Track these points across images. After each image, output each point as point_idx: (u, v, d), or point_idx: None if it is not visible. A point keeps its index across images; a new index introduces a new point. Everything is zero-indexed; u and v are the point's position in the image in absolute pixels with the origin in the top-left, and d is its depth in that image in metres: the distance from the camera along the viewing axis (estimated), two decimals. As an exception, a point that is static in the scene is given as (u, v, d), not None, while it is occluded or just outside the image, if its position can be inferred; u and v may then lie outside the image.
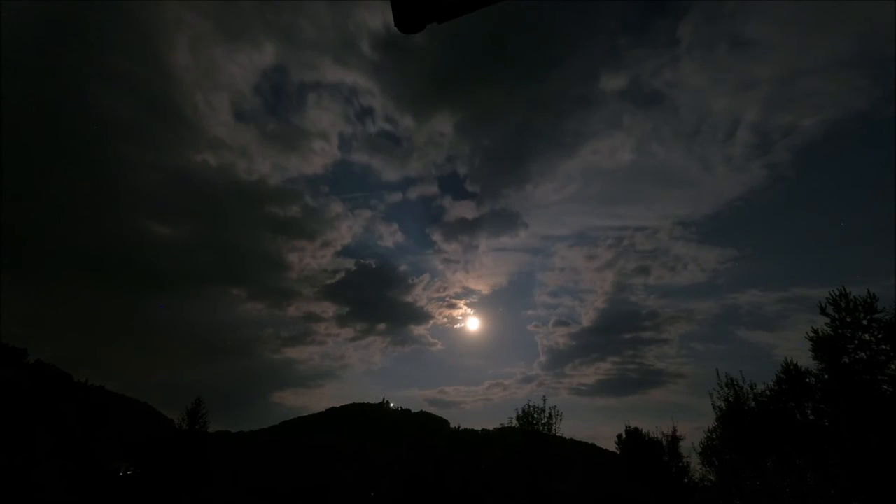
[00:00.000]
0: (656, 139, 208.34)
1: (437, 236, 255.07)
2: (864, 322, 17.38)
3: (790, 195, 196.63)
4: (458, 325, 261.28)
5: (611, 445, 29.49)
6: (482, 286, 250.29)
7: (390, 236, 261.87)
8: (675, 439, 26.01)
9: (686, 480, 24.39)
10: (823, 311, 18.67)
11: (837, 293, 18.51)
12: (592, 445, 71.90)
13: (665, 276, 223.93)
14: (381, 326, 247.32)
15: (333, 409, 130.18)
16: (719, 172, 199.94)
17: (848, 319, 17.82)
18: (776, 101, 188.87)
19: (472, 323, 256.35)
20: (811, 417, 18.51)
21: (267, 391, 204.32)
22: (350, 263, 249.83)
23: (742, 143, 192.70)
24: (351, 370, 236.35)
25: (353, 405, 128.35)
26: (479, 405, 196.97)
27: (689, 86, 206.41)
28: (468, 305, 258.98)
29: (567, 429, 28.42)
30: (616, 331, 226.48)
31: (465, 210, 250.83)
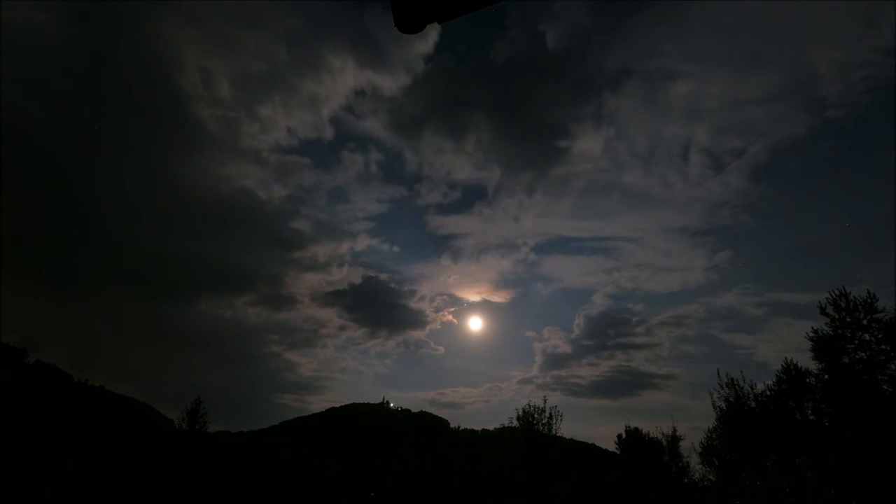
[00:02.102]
0: (616, 160, 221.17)
1: (437, 244, 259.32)
2: (864, 322, 17.40)
3: (752, 210, 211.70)
4: (457, 329, 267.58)
5: (607, 445, 29.53)
6: (477, 293, 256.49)
7: (390, 243, 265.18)
8: (675, 439, 26.03)
9: (686, 480, 24.40)
10: (823, 312, 18.66)
11: (837, 293, 18.51)
12: (592, 445, 71.88)
13: (651, 282, 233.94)
14: (382, 330, 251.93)
15: (333, 409, 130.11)
16: (678, 190, 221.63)
17: (848, 319, 17.83)
18: (723, 127, 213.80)
19: (470, 327, 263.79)
20: (811, 417, 18.53)
21: (272, 393, 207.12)
22: (357, 274, 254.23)
23: (696, 164, 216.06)
24: (351, 372, 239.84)
25: (353, 405, 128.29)
26: (478, 406, 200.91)
27: (637, 114, 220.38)
28: (467, 310, 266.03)
29: (564, 429, 28.45)
30: (608, 335, 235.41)
31: (458, 221, 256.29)
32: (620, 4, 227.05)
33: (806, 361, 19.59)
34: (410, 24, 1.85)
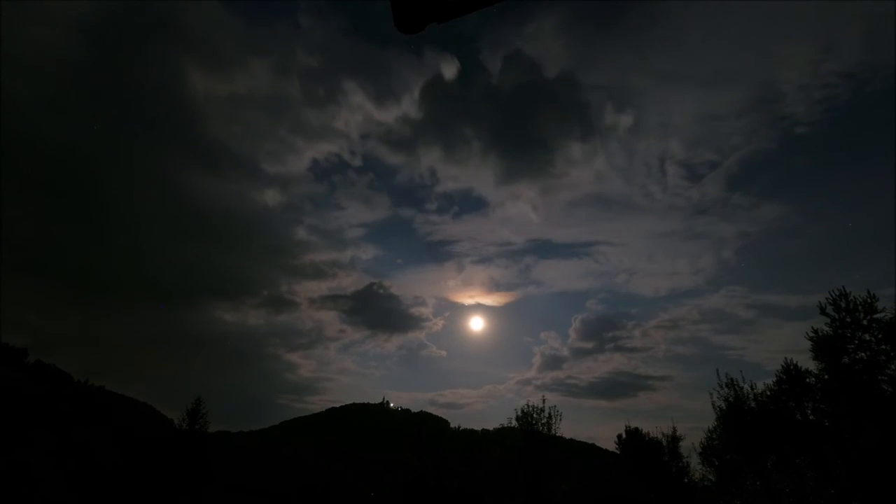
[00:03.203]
0: (598, 171, 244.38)
1: (433, 250, 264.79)
2: (864, 322, 17.38)
3: (729, 218, 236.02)
4: (455, 332, 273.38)
5: (605, 445, 29.54)
6: (470, 296, 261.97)
7: (389, 250, 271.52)
8: (675, 439, 26.01)
9: (686, 480, 24.39)
10: (823, 311, 18.64)
11: (837, 293, 18.49)
12: (592, 445, 71.82)
13: (640, 286, 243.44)
14: (382, 332, 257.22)
15: (333, 409, 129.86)
16: (658, 199, 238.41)
17: (848, 319, 17.81)
18: (695, 141, 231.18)
19: (467, 330, 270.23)
20: (811, 417, 18.51)
21: (275, 393, 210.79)
22: (357, 278, 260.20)
23: (673, 175, 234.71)
24: (351, 373, 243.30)
25: (353, 405, 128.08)
26: (477, 407, 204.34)
27: (617, 128, 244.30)
28: (463, 314, 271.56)
29: (562, 429, 28.54)
30: (602, 338, 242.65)
31: (453, 227, 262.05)
32: (595, 29, 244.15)
33: (792, 361, 19.81)
34: (410, 24, 1.85)
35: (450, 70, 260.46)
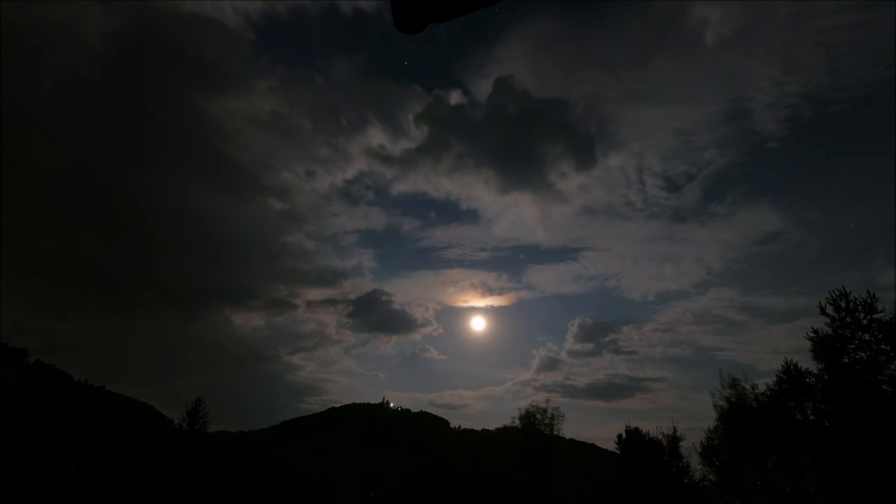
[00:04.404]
0: (582, 184, 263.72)
1: (429, 256, 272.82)
2: (864, 322, 17.35)
3: (707, 224, 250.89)
4: (452, 334, 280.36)
5: (605, 445, 29.57)
6: (464, 301, 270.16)
7: (387, 255, 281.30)
8: (675, 439, 25.97)
9: (686, 480, 24.37)
10: (823, 311, 18.60)
11: (837, 293, 18.45)
12: (593, 445, 71.74)
13: (630, 290, 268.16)
14: (383, 334, 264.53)
15: (333, 408, 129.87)
16: (639, 208, 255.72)
17: (848, 319, 17.78)
18: (670, 155, 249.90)
19: (464, 333, 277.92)
20: (811, 417, 18.48)
21: (277, 394, 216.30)
22: (357, 282, 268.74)
23: (652, 185, 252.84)
24: (352, 375, 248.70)
25: (353, 405, 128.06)
26: (476, 408, 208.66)
27: (598, 143, 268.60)
28: (461, 317, 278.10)
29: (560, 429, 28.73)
30: (597, 340, 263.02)
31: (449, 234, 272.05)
32: (566, 50, 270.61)
33: (779, 364, 19.94)
34: (410, 24, 1.85)
35: (442, 97, 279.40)
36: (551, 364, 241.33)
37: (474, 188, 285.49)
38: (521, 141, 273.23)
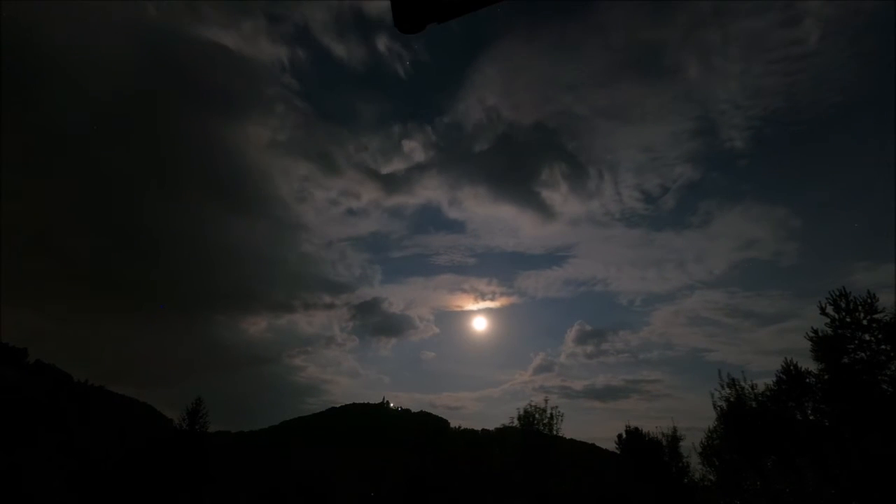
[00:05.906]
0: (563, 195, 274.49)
1: (425, 262, 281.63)
2: (864, 322, 17.35)
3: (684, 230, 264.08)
4: (452, 336, 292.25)
5: (605, 445, 29.56)
6: (459, 305, 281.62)
7: (385, 260, 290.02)
8: (675, 439, 25.98)
9: (686, 480, 24.37)
10: (823, 311, 18.60)
11: (838, 293, 18.45)
12: (592, 445, 71.73)
13: (620, 294, 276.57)
14: (383, 335, 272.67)
15: (333, 408, 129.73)
16: (618, 218, 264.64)
17: (848, 319, 17.78)
18: (642, 169, 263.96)
19: (462, 335, 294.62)
20: (811, 417, 18.48)
21: (279, 393, 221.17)
22: (357, 286, 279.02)
23: (628, 197, 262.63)
24: (352, 375, 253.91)
25: (354, 405, 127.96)
26: (476, 409, 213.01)
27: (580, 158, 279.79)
28: (459, 320, 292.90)
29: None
30: (593, 342, 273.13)
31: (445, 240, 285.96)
32: (533, 67, 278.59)
33: (772, 364, 20.03)
34: (410, 24, 1.85)
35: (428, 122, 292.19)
36: (548, 366, 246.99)
37: (462, 200, 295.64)
38: (503, 158, 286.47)
